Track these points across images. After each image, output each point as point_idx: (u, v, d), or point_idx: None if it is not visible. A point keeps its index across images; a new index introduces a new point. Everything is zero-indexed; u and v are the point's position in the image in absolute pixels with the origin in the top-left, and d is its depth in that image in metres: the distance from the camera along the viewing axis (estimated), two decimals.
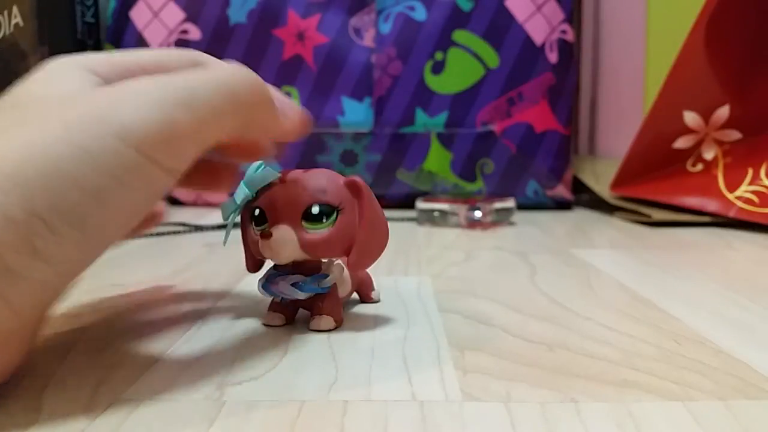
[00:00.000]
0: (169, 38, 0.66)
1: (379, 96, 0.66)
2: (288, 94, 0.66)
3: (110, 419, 0.18)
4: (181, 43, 0.66)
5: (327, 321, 0.26)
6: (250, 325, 0.27)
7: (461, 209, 0.54)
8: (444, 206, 0.55)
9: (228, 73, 0.21)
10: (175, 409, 0.18)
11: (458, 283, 0.34)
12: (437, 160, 0.66)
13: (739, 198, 0.55)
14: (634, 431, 0.17)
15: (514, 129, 0.66)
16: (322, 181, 0.24)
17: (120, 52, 0.23)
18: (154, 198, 0.20)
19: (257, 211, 0.25)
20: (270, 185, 0.24)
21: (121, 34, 0.67)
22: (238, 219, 0.26)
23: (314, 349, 0.23)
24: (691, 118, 0.58)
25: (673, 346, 0.24)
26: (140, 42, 0.66)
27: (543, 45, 0.66)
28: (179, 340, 0.24)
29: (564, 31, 0.67)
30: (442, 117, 0.66)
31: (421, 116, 0.66)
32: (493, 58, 0.66)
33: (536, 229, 0.54)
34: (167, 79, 0.20)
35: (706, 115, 0.58)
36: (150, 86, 0.19)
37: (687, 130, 0.58)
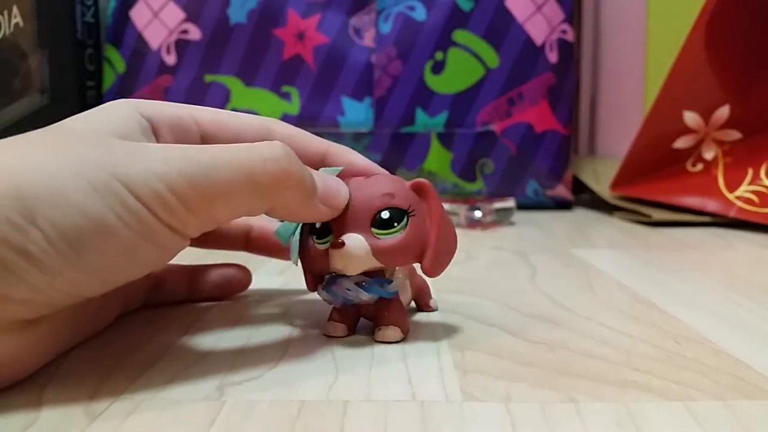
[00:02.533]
0: (169, 38, 0.66)
1: (379, 96, 0.66)
2: (288, 94, 0.66)
3: (110, 419, 0.18)
4: (181, 43, 0.66)
5: (394, 332, 0.24)
6: (250, 325, 0.27)
7: (461, 209, 0.54)
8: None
9: (253, 156, 0.20)
10: (175, 409, 0.18)
11: (458, 283, 0.34)
12: (437, 160, 0.66)
13: (739, 198, 0.55)
14: (634, 431, 0.17)
15: (514, 129, 0.66)
16: (388, 185, 0.23)
17: (179, 104, 0.23)
18: (159, 251, 0.20)
19: (318, 223, 0.23)
20: None
21: (121, 34, 0.67)
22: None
23: (314, 349, 0.23)
24: (691, 118, 0.58)
25: (673, 346, 0.24)
26: (140, 42, 0.66)
27: (543, 45, 0.66)
28: (179, 340, 0.24)
29: (564, 31, 0.67)
30: (442, 117, 0.66)
31: (421, 116, 0.66)
32: (493, 58, 0.66)
33: (536, 229, 0.54)
34: (189, 151, 0.20)
35: (706, 115, 0.58)
36: (168, 154, 0.19)
37: (687, 130, 0.58)
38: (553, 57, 0.66)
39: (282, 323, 0.27)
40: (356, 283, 0.23)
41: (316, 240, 0.23)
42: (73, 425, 0.17)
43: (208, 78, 0.65)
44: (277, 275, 0.36)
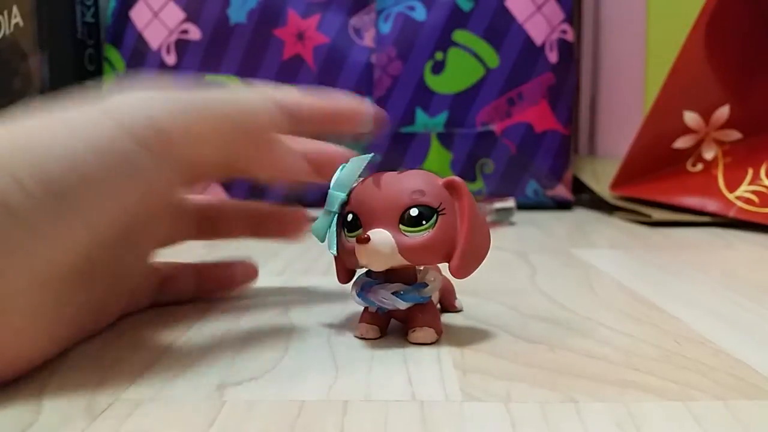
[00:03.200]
0: (169, 38, 0.66)
1: (379, 96, 0.66)
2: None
3: (110, 419, 0.18)
4: (181, 43, 0.66)
5: (429, 333, 0.24)
6: (250, 325, 0.27)
7: None
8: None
9: (245, 95, 0.22)
10: (175, 409, 0.18)
11: (458, 283, 0.34)
12: (437, 160, 0.66)
13: (739, 198, 0.55)
14: (634, 431, 0.17)
15: (514, 129, 0.66)
16: (419, 182, 0.23)
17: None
18: (140, 192, 0.21)
19: (350, 216, 0.23)
20: (361, 182, 0.23)
21: (121, 34, 0.67)
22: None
23: (314, 349, 0.23)
24: (691, 118, 0.58)
25: (673, 346, 0.24)
26: (140, 42, 0.66)
27: (543, 45, 0.66)
28: (179, 340, 0.24)
29: (564, 31, 0.67)
30: (442, 117, 0.66)
31: (421, 116, 0.66)
32: (493, 58, 0.66)
33: (536, 229, 0.53)
34: (185, 91, 0.22)
35: (706, 115, 0.58)
36: (161, 92, 0.21)
37: (687, 130, 0.58)
38: (553, 57, 0.66)
39: (282, 323, 0.27)
40: (393, 293, 0.23)
41: (347, 233, 0.23)
42: (73, 425, 0.17)
43: (208, 78, 0.65)
44: (277, 275, 0.36)
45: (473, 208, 0.23)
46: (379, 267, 0.23)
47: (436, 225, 0.22)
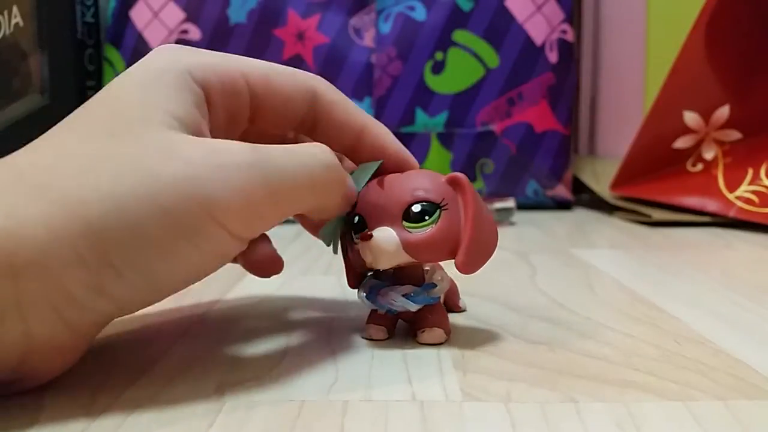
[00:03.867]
0: (169, 38, 0.66)
1: (379, 96, 0.66)
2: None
3: (110, 419, 0.18)
4: (181, 43, 0.66)
5: (438, 334, 0.24)
6: (250, 325, 0.27)
7: None
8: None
9: (310, 156, 0.21)
10: (175, 409, 0.18)
11: (458, 282, 0.34)
12: (437, 160, 0.66)
13: (739, 198, 0.55)
14: (634, 431, 0.17)
15: (514, 129, 0.66)
16: (421, 180, 0.23)
17: (229, 55, 0.22)
18: (221, 260, 0.21)
19: (356, 218, 0.23)
20: (366, 185, 0.24)
21: (121, 34, 0.67)
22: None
23: (314, 349, 0.23)
24: (691, 118, 0.58)
25: (673, 346, 0.24)
26: (140, 42, 0.66)
27: (543, 45, 0.66)
28: (179, 341, 0.24)
29: (564, 31, 0.67)
30: (442, 117, 0.66)
31: (421, 116, 0.66)
32: (493, 58, 0.66)
33: (536, 229, 0.54)
34: (259, 156, 0.20)
35: (706, 115, 0.58)
36: (241, 161, 0.19)
37: (687, 130, 0.58)
38: (553, 57, 0.66)
39: (282, 324, 0.27)
40: (404, 295, 0.23)
41: (355, 235, 0.23)
42: (73, 425, 0.17)
43: None
44: (276, 275, 0.36)
45: (477, 203, 0.23)
46: (384, 265, 0.23)
47: (440, 220, 0.22)
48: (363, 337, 0.25)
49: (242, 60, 0.23)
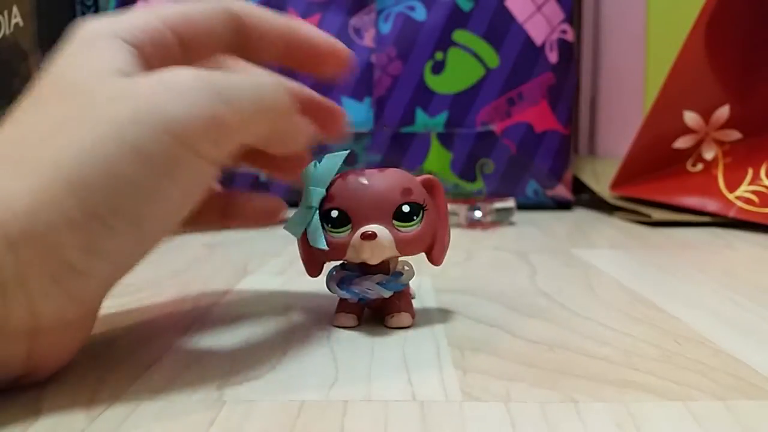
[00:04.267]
0: None
1: (379, 96, 0.66)
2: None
3: (110, 419, 0.18)
4: None
5: (406, 317, 0.26)
6: (250, 325, 0.27)
7: (461, 209, 0.54)
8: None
9: (257, 74, 0.22)
10: (175, 409, 0.18)
11: (458, 282, 0.34)
12: (437, 160, 0.66)
13: (739, 198, 0.55)
14: (634, 431, 0.17)
15: (514, 129, 0.66)
16: (405, 180, 0.24)
17: (144, 11, 0.23)
18: (201, 189, 0.21)
19: (335, 213, 0.24)
20: (339, 178, 0.24)
21: None
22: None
23: (314, 349, 0.23)
24: (691, 118, 0.58)
25: (673, 346, 0.24)
26: None
27: (543, 45, 0.66)
28: (179, 340, 0.24)
29: (564, 31, 0.67)
30: (442, 117, 0.66)
31: (421, 116, 0.66)
32: (493, 58, 0.66)
33: (536, 229, 0.54)
34: (208, 75, 0.20)
35: (706, 115, 0.58)
36: (194, 81, 0.20)
37: (687, 130, 0.58)
38: (553, 57, 0.66)
39: (282, 323, 0.27)
40: (377, 283, 0.25)
41: (331, 229, 0.24)
42: (73, 425, 0.17)
43: None
44: (276, 275, 0.36)
45: (446, 205, 0.26)
46: (378, 260, 0.24)
47: (423, 220, 0.24)
48: (334, 325, 0.26)
49: (161, 11, 0.23)
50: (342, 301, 0.26)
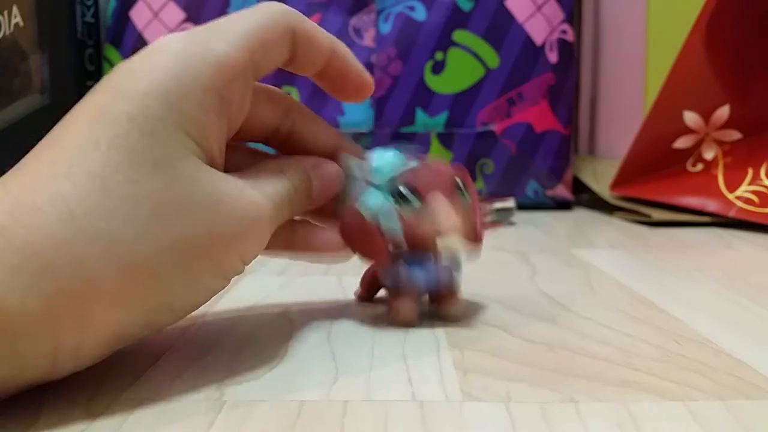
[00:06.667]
0: None
1: (380, 96, 0.66)
2: (288, 94, 0.66)
3: (110, 419, 0.18)
4: None
5: (462, 304, 0.27)
6: (251, 325, 0.27)
7: None
8: None
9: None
10: (175, 409, 0.18)
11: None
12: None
13: (739, 198, 0.55)
14: (634, 431, 0.17)
15: (514, 129, 0.66)
16: (443, 166, 0.25)
17: (232, 38, 0.22)
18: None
19: (403, 189, 0.24)
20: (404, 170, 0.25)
21: (121, 34, 0.67)
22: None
23: (314, 349, 0.23)
24: (691, 118, 0.58)
25: (673, 346, 0.24)
26: (140, 42, 0.66)
27: (543, 45, 0.66)
28: (179, 340, 0.24)
29: (564, 31, 0.67)
30: (442, 117, 0.66)
31: (421, 116, 0.66)
32: (493, 58, 0.66)
33: (536, 229, 0.54)
34: (274, 209, 0.22)
35: (706, 115, 0.58)
36: (263, 213, 0.22)
37: (687, 130, 0.58)
38: (553, 57, 0.66)
39: (282, 323, 0.27)
40: (445, 265, 0.26)
41: (404, 204, 0.24)
42: (73, 425, 0.17)
43: None
44: (277, 275, 0.36)
45: (474, 189, 0.26)
46: (451, 229, 0.24)
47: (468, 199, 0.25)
48: (397, 321, 0.26)
49: (245, 35, 0.22)
50: (393, 291, 0.26)
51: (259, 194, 0.22)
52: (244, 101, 0.23)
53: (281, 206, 0.23)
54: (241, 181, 0.22)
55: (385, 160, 0.25)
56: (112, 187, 0.18)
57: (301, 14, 0.24)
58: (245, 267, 0.22)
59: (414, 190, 0.24)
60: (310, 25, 0.24)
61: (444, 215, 0.24)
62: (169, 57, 0.20)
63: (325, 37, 0.25)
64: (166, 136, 0.19)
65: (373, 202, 0.25)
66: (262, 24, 0.23)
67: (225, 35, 0.22)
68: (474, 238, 0.26)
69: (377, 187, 0.25)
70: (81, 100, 0.21)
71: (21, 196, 0.18)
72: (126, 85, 0.20)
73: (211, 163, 0.21)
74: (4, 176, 0.19)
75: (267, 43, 0.23)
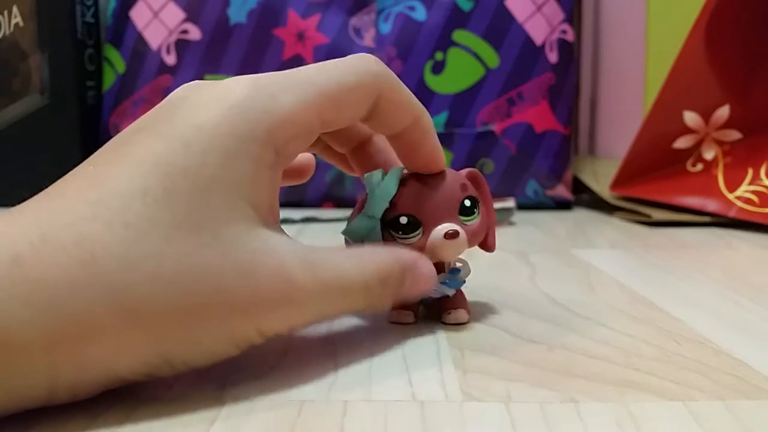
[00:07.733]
0: (169, 38, 0.66)
1: None
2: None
3: (110, 419, 0.18)
4: (181, 44, 0.66)
5: (464, 314, 0.26)
6: None
7: None
8: None
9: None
10: (175, 409, 0.18)
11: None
12: None
13: (739, 198, 0.55)
14: (634, 431, 0.17)
15: (514, 129, 0.66)
16: (458, 177, 0.25)
17: (305, 88, 0.21)
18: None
19: (404, 219, 0.24)
20: (405, 187, 0.25)
21: (121, 34, 0.67)
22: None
23: (314, 349, 0.23)
24: (691, 118, 0.58)
25: (673, 346, 0.24)
26: (140, 42, 0.66)
27: (543, 45, 0.66)
28: None
29: (564, 31, 0.67)
30: (442, 117, 0.66)
31: None
32: (493, 58, 0.66)
33: (536, 229, 0.54)
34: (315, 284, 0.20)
35: (706, 115, 0.58)
36: (303, 294, 0.20)
37: (687, 130, 0.58)
38: (553, 57, 0.66)
39: None
40: (441, 282, 0.25)
41: (402, 236, 0.24)
42: (73, 425, 0.17)
43: (209, 78, 0.65)
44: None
45: (490, 194, 0.27)
46: (454, 257, 0.25)
47: (479, 212, 0.25)
48: (391, 321, 0.26)
49: (319, 93, 0.21)
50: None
51: (304, 274, 0.20)
52: (304, 148, 0.22)
53: (334, 294, 0.21)
54: (290, 254, 0.20)
55: (390, 181, 0.24)
56: (144, 242, 0.18)
57: (396, 78, 0.23)
58: (264, 339, 0.20)
59: (415, 219, 0.24)
60: (398, 95, 0.23)
61: (446, 251, 0.24)
62: (233, 107, 0.20)
63: (410, 108, 0.23)
64: (215, 197, 0.19)
65: (362, 227, 0.24)
66: (343, 83, 0.21)
67: (297, 87, 0.21)
68: (486, 247, 0.27)
69: (371, 218, 0.24)
70: (139, 126, 0.20)
71: (50, 232, 0.17)
72: (188, 136, 0.19)
73: (264, 217, 0.20)
74: (41, 195, 0.19)
75: (342, 104, 0.21)
